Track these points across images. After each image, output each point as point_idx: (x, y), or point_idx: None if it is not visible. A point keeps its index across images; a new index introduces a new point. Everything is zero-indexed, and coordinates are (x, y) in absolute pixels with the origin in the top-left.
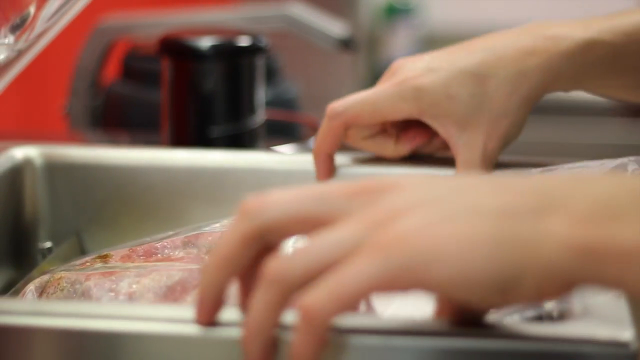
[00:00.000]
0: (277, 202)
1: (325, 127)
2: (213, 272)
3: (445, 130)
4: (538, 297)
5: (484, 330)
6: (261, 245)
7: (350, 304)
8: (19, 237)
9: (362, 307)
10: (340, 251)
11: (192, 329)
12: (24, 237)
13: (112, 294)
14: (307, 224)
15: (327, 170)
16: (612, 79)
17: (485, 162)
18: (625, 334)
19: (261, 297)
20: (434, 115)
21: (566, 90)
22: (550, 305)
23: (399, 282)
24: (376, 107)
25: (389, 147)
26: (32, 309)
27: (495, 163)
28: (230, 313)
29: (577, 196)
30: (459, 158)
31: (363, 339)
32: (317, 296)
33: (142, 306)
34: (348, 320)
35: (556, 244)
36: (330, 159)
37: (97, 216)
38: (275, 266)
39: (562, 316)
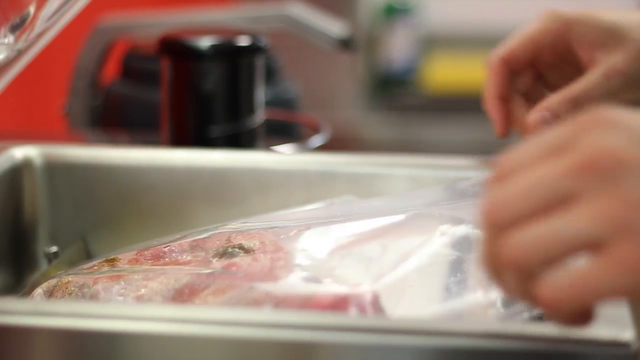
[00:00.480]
0: (510, 203)
1: (487, 73)
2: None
3: (583, 49)
4: None
5: (484, 330)
6: None
7: (587, 306)
8: (18, 238)
9: (370, 308)
10: (579, 244)
11: (192, 329)
12: (23, 238)
13: (121, 297)
14: (542, 214)
15: (503, 116)
16: None
17: (609, 78)
18: (626, 334)
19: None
20: (577, 33)
21: None
22: None
23: (636, 297)
24: (526, 33)
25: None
26: (33, 309)
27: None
28: (231, 313)
29: None
30: (591, 70)
31: (363, 338)
32: (559, 290)
33: (142, 306)
34: (348, 319)
35: None
36: (503, 103)
37: (96, 216)
38: (516, 251)
39: None
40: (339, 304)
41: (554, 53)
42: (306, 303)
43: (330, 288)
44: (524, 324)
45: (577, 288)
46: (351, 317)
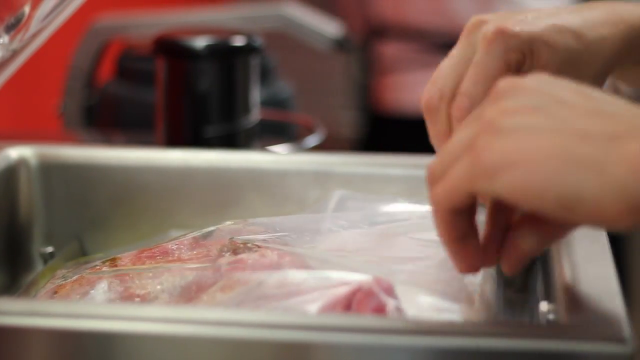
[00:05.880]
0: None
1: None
2: None
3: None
4: (601, 216)
5: (484, 330)
6: None
7: (455, 198)
8: (13, 238)
9: (388, 296)
10: (459, 149)
11: (188, 330)
12: (18, 238)
13: (127, 296)
14: None
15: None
16: None
17: None
18: (623, 332)
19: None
20: (540, 60)
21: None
22: (547, 306)
23: (480, 184)
24: (475, 79)
25: None
26: (28, 310)
27: None
28: (227, 313)
29: None
30: None
31: (360, 338)
32: (435, 191)
33: (137, 307)
34: (347, 319)
35: (625, 167)
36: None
37: (91, 216)
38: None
39: (560, 316)
40: (357, 292)
41: None
42: (323, 295)
43: (346, 278)
44: (523, 324)
45: (444, 185)
46: (349, 317)
